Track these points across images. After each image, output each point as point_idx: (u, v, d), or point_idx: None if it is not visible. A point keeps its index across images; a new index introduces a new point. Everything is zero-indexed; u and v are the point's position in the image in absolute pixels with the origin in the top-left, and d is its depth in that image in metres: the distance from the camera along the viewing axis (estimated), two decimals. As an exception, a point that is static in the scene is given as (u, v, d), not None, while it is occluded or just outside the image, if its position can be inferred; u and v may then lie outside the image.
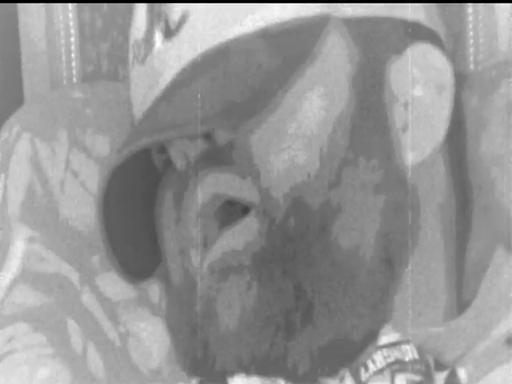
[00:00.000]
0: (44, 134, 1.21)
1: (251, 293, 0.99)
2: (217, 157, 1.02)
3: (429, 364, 1.02)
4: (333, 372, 1.02)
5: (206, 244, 1.02)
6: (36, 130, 1.21)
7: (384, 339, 1.02)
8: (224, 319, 1.00)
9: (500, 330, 1.02)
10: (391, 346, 1.02)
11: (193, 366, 1.04)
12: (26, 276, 1.12)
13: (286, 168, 0.99)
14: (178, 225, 1.05)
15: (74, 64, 1.45)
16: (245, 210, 1.00)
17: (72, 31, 1.47)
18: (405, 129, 1.01)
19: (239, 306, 1.00)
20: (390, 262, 1.01)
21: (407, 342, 1.02)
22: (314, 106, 1.00)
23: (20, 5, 1.50)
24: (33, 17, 1.50)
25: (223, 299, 1.00)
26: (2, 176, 1.20)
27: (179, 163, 1.05)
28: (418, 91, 1.04)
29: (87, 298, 1.10)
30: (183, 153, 1.05)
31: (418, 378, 1.01)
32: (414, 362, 1.01)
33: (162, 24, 1.05)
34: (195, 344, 1.03)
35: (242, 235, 1.00)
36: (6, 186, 1.18)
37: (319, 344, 0.99)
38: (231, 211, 1.01)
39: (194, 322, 1.03)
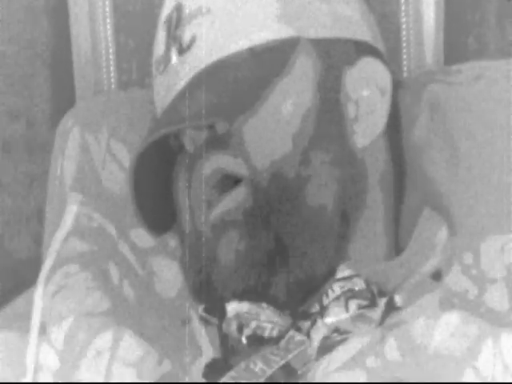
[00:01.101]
0: (90, 127, 1.27)
1: (242, 240, 1.05)
2: (217, 142, 1.07)
3: (373, 292, 1.05)
4: (303, 299, 1.06)
5: (209, 206, 1.07)
6: (84, 124, 1.27)
7: (340, 274, 1.06)
8: (222, 260, 1.06)
9: (426, 268, 1.08)
10: (345, 279, 1.06)
11: (199, 295, 1.10)
12: (77, 230, 1.17)
13: (267, 150, 1.05)
14: (189, 191, 1.09)
15: (112, 74, 1.51)
16: (237, 181, 1.06)
17: (110, 50, 1.52)
18: (355, 120, 1.07)
19: (233, 250, 1.05)
20: (346, 216, 1.07)
21: (357, 275, 1.06)
22: (288, 104, 1.06)
23: (73, 27, 1.50)
24: (81, 37, 1.53)
25: (222, 245, 1.06)
26: (60, 157, 1.28)
27: (189, 147, 1.10)
28: (365, 92, 1.09)
29: (122, 245, 1.16)
30: (192, 139, 1.10)
31: (365, 302, 1.05)
32: (362, 290, 1.05)
33: (176, 44, 1.10)
34: (201, 279, 1.08)
35: (235, 199, 1.05)
36: (62, 165, 1.27)
37: (293, 278, 1.05)
38: (227, 182, 1.07)
39: (200, 262, 1.09)
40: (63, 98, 1.55)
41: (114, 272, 1.11)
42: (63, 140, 1.28)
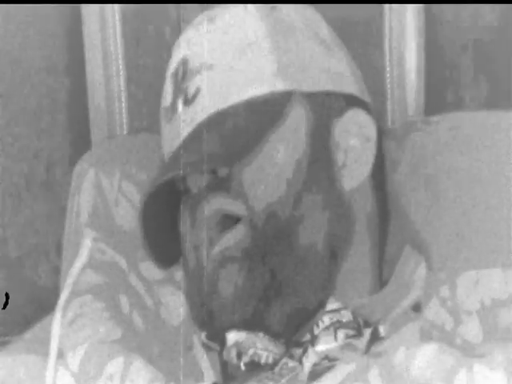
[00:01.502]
0: (104, 169, 1.29)
1: (240, 275, 1.05)
2: (218, 185, 1.08)
3: (360, 323, 1.07)
4: (296, 329, 1.07)
5: (211, 243, 1.07)
6: (99, 166, 1.29)
7: (329, 307, 1.07)
8: (222, 293, 1.06)
9: (407, 301, 1.08)
10: (334, 311, 1.07)
11: (202, 324, 1.11)
12: (91, 263, 1.18)
13: (264, 192, 1.05)
14: (193, 229, 1.10)
15: (124, 120, 1.55)
16: (236, 220, 1.07)
17: (123, 99, 1.55)
18: (344, 166, 1.08)
19: (233, 283, 1.06)
20: (334, 253, 1.07)
21: (345, 308, 1.07)
22: (282, 152, 1.07)
23: (89, 79, 1.54)
24: (97, 87, 1.55)
25: (222, 279, 1.06)
26: (76, 196, 1.29)
27: (194, 189, 1.11)
28: (353, 141, 1.09)
29: (132, 277, 1.17)
30: (196, 182, 1.11)
31: (352, 332, 1.06)
32: (349, 321, 1.07)
33: (182, 96, 1.10)
34: (203, 310, 1.09)
35: (235, 237, 1.06)
36: (78, 203, 1.28)
37: (286, 310, 1.05)
38: (227, 221, 1.07)
39: (202, 294, 1.10)
40: (80, 142, 1.57)
41: (125, 302, 1.12)
42: (79, 180, 1.29)
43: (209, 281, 1.09)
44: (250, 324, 1.07)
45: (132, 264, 1.18)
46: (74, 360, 1.05)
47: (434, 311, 1.07)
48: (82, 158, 1.32)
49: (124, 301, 1.13)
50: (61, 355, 1.07)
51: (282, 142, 1.08)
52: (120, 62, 1.55)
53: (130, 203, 1.23)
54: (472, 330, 1.04)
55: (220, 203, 1.07)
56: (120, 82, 1.56)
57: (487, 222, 1.15)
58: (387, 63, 1.51)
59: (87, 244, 1.20)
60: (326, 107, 1.10)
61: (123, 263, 1.18)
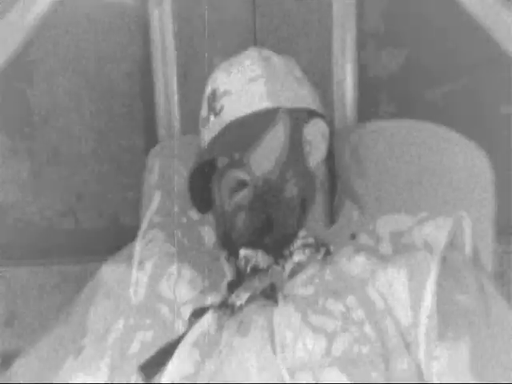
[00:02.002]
0: (165, 157, 1.54)
1: (247, 217, 1.27)
2: (234, 164, 1.30)
3: (318, 244, 1.28)
4: (281, 248, 1.28)
5: (230, 197, 1.29)
6: (162, 156, 1.56)
7: (301, 235, 1.29)
8: (236, 227, 1.28)
9: (347, 233, 1.31)
10: (304, 237, 1.29)
11: (224, 245, 1.31)
12: (158, 210, 1.41)
13: (261, 167, 1.27)
14: (219, 190, 1.31)
15: (177, 125, 1.73)
16: (244, 184, 1.28)
17: (177, 112, 1.71)
18: (309, 152, 1.31)
19: (242, 222, 1.27)
20: (304, 204, 1.30)
21: (310, 236, 1.29)
22: (270, 150, 1.29)
23: (156, 96, 1.71)
24: (160, 103, 1.73)
25: (236, 219, 1.28)
26: (150, 172, 1.52)
27: (220, 165, 1.32)
28: (315, 140, 1.32)
29: (183, 219, 1.40)
30: (221, 162, 1.32)
31: (314, 249, 1.27)
32: (312, 243, 1.29)
33: (212, 111, 1.33)
34: (225, 237, 1.30)
35: (243, 194, 1.28)
36: (151, 175, 1.53)
37: (275, 237, 1.28)
38: (239, 185, 1.29)
39: (224, 228, 1.30)
40: (151, 138, 1.75)
41: (178, 232, 1.35)
42: (151, 163, 1.56)
43: (228, 220, 1.30)
44: (253, 245, 1.27)
45: (183, 210, 1.42)
46: (148, 266, 1.30)
47: (363, 238, 1.30)
48: (153, 149, 1.59)
49: (178, 232, 1.36)
50: (141, 264, 1.30)
51: (273, 138, 1.29)
52: (174, 85, 1.72)
53: (182, 176, 1.45)
54: (386, 247, 1.27)
55: (235, 174, 1.29)
56: (175, 99, 1.73)
57: (396, 188, 1.46)
58: (334, 85, 1.70)
59: (156, 199, 1.43)
60: (299, 117, 1.32)
61: (177, 210, 1.41)
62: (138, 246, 1.30)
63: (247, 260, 1.26)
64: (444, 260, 1.18)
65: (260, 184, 1.25)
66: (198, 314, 1.18)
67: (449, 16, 1.62)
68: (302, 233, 1.26)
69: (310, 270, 1.22)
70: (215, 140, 1.28)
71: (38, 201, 1.70)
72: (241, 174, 1.27)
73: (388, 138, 1.44)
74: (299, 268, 1.24)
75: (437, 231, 1.23)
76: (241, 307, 1.18)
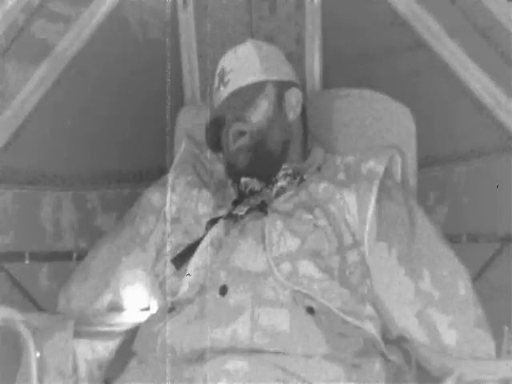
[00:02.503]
0: (189, 118, 1.56)
1: (246, 155, 1.33)
2: (236, 119, 1.34)
3: (296, 174, 1.33)
4: (269, 176, 1.34)
5: (234, 142, 1.34)
6: (188, 117, 1.58)
7: (283, 167, 1.35)
8: (238, 163, 1.34)
9: (316, 165, 1.38)
10: (285, 169, 1.35)
11: (230, 174, 1.36)
12: (184, 150, 1.45)
13: (255, 120, 1.34)
14: (227, 137, 1.35)
15: (199, 93, 1.74)
16: (244, 133, 1.33)
17: (198, 84, 1.76)
18: (289, 111, 1.37)
19: (242, 158, 1.33)
20: (286, 145, 1.36)
21: (290, 168, 1.34)
22: (261, 109, 1.35)
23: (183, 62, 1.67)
24: (188, 78, 1.75)
25: (238, 157, 1.34)
26: (178, 130, 1.55)
27: (227, 121, 1.35)
28: (292, 101, 1.37)
29: (202, 157, 1.44)
30: (228, 118, 1.35)
31: (293, 178, 1.34)
32: (291, 173, 1.35)
33: (222, 83, 1.37)
34: (231, 168, 1.35)
35: (243, 140, 1.33)
36: (179, 129, 1.55)
37: (265, 168, 1.34)
38: (241, 133, 1.34)
39: (230, 163, 1.35)
40: (178, 103, 1.68)
41: (199, 167, 1.42)
42: (180, 118, 1.59)
43: (232, 158, 1.34)
44: (250, 174, 1.32)
45: (202, 152, 1.47)
46: (179, 190, 1.35)
47: (325, 170, 1.36)
48: (181, 109, 1.60)
49: (198, 166, 1.43)
50: (173, 188, 1.36)
51: (263, 101, 1.34)
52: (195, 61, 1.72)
53: (202, 128, 1.42)
54: (341, 176, 1.33)
55: (237, 126, 1.33)
56: (196, 79, 1.76)
57: (350, 135, 1.49)
58: (306, 66, 1.70)
59: (183, 144, 1.48)
60: (282, 86, 1.36)
61: (197, 151, 1.46)
62: (170, 176, 1.37)
63: (246, 185, 1.33)
64: (382, 183, 1.28)
65: (255, 133, 1.33)
66: (212, 222, 1.27)
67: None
68: (284, 166, 1.33)
69: (289, 192, 1.32)
70: (223, 102, 1.35)
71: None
72: (241, 126, 1.34)
73: (344, 100, 1.53)
74: (282, 190, 1.32)
75: (377, 164, 1.31)
76: (241, 217, 1.26)
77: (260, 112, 1.33)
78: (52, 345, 1.22)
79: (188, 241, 1.24)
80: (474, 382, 1.10)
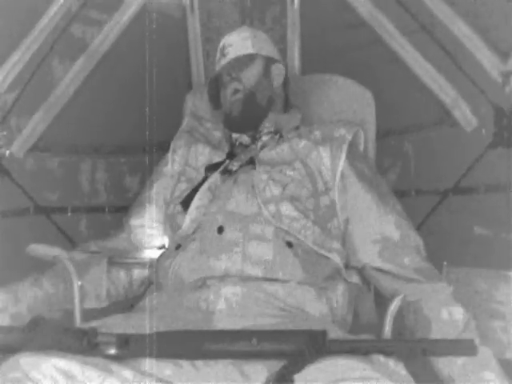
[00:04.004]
0: (195, 99, 1.54)
1: (241, 106, 1.32)
2: (233, 80, 1.33)
3: (276, 131, 1.31)
4: (255, 133, 1.31)
5: (230, 97, 1.32)
6: (194, 97, 1.55)
7: (267, 121, 1.32)
8: (233, 113, 1.31)
9: (294, 124, 1.36)
10: (267, 127, 1.32)
11: (226, 125, 1.34)
12: (189, 114, 1.44)
13: (246, 81, 1.33)
14: (226, 90, 1.33)
15: (203, 73, 1.72)
16: (239, 91, 1.32)
17: (200, 57, 1.70)
18: (273, 79, 1.36)
19: (237, 109, 1.31)
20: (270, 103, 1.33)
21: (271, 125, 1.33)
22: (252, 73, 1.34)
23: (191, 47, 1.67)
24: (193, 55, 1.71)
25: (234, 108, 1.32)
26: (189, 100, 1.52)
27: (225, 81, 1.33)
28: (276, 72, 1.36)
29: (207, 125, 1.40)
30: (226, 79, 1.33)
31: (274, 134, 1.32)
32: (272, 131, 1.31)
33: (223, 55, 1.36)
34: (228, 119, 1.32)
35: (238, 96, 1.32)
36: (190, 103, 1.52)
37: (250, 124, 1.32)
38: (236, 90, 1.33)
39: (227, 114, 1.32)
40: (181, 86, 1.67)
41: (197, 133, 1.36)
42: (188, 99, 1.58)
43: (229, 108, 1.33)
44: (242, 123, 1.31)
45: (202, 124, 1.42)
46: (179, 152, 1.33)
47: (303, 129, 1.33)
48: (189, 92, 1.60)
49: (196, 134, 1.39)
50: (174, 151, 1.33)
51: (254, 68, 1.34)
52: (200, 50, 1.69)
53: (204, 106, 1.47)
54: (317, 135, 1.29)
55: (233, 85, 1.33)
56: (201, 64, 1.72)
57: (329, 115, 1.45)
58: (288, 52, 1.70)
59: (186, 119, 1.46)
60: (269, 60, 1.36)
61: (197, 123, 1.41)
62: (172, 143, 1.38)
63: (237, 139, 1.34)
64: (350, 147, 1.28)
65: (247, 89, 1.33)
66: (209, 168, 1.27)
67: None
68: (266, 124, 1.33)
69: (272, 144, 1.32)
70: (223, 67, 1.35)
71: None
72: (236, 85, 1.33)
73: (318, 84, 1.52)
74: (265, 144, 1.32)
75: (346, 132, 1.29)
76: (235, 171, 1.26)
77: (251, 76, 1.32)
78: (90, 275, 1.24)
79: (191, 187, 1.25)
80: (416, 301, 1.11)
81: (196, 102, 1.51)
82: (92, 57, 1.61)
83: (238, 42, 1.32)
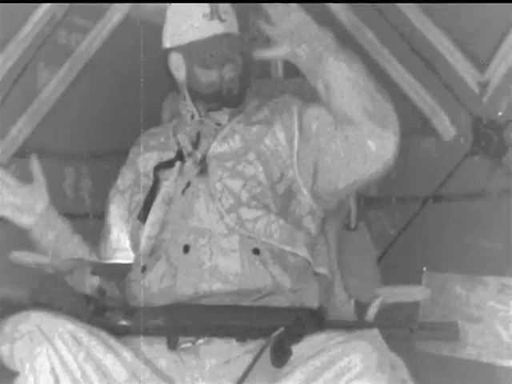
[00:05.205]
0: (173, 103, 1.44)
1: (236, 79, 1.27)
2: (230, 60, 1.28)
3: (266, 106, 1.31)
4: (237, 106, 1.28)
5: (229, 72, 1.27)
6: (171, 103, 1.46)
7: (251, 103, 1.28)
8: (229, 86, 1.28)
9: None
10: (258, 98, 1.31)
11: (213, 96, 1.27)
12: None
13: (238, 61, 1.28)
14: (221, 70, 1.28)
15: None
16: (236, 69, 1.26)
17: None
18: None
19: (233, 84, 1.28)
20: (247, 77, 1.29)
21: (256, 99, 1.33)
22: (230, 44, 1.30)
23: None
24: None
25: (225, 81, 1.28)
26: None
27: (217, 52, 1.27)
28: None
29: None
30: (216, 47, 1.28)
31: (266, 107, 1.31)
32: (256, 104, 1.32)
33: (217, 14, 1.28)
34: (217, 93, 1.27)
35: (234, 72, 1.29)
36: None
37: (241, 92, 1.28)
38: (234, 69, 1.27)
39: (214, 82, 1.27)
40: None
41: (161, 135, 1.31)
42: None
43: (228, 86, 1.29)
44: (227, 101, 1.27)
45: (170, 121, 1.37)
46: (127, 170, 1.30)
47: (254, 108, 1.31)
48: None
49: (160, 135, 1.32)
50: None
51: (231, 45, 1.28)
52: None
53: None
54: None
55: (231, 66, 1.29)
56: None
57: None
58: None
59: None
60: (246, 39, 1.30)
61: (190, 103, 1.31)
62: (141, 138, 1.34)
63: (214, 117, 1.28)
64: (301, 103, 1.25)
65: (239, 65, 1.30)
66: (158, 168, 1.24)
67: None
68: (251, 101, 1.32)
69: (225, 133, 1.28)
70: (222, 38, 1.32)
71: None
72: (233, 66, 1.31)
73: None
74: (246, 119, 1.28)
75: (291, 97, 1.31)
76: (189, 183, 1.20)
77: (234, 50, 1.30)
78: (74, 280, 1.22)
79: (143, 196, 1.21)
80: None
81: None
82: (76, 63, 1.62)
83: (233, 18, 1.29)
